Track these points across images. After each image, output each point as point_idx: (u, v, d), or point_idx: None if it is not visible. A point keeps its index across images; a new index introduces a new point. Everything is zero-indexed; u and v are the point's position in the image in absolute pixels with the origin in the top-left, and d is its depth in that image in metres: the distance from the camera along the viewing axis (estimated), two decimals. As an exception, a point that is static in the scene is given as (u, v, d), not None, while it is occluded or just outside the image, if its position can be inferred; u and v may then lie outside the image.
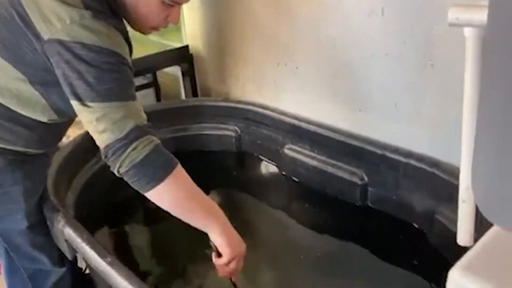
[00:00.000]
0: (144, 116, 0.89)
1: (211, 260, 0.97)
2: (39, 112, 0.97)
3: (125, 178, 0.87)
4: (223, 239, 0.92)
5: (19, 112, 0.96)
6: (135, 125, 0.85)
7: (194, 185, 0.92)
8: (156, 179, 0.86)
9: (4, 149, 1.00)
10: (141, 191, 0.88)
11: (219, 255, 0.94)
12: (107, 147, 0.85)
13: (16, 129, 0.98)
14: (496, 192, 0.39)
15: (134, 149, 0.84)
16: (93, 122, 0.85)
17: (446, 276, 1.10)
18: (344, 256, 1.28)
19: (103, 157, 0.88)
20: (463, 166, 0.79)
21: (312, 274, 1.22)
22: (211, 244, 0.94)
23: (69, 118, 1.06)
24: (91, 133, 0.88)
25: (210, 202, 0.96)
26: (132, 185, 0.88)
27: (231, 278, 1.01)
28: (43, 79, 0.92)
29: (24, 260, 1.14)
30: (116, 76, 0.86)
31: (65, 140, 1.96)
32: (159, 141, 0.89)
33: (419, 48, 1.16)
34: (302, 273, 1.23)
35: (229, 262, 0.94)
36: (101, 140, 0.86)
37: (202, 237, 1.40)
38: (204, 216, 0.93)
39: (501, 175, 0.38)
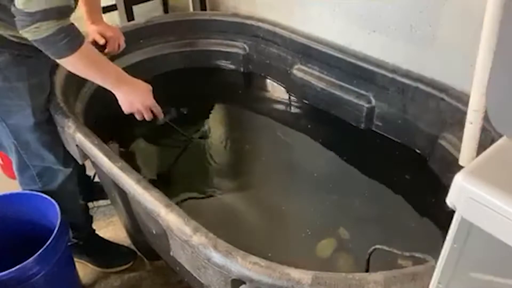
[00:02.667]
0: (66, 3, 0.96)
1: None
2: None
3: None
4: (121, 100, 1.16)
5: None
6: (48, 7, 0.92)
7: (102, 57, 1.11)
8: (59, 55, 1.00)
9: (10, 41, 1.02)
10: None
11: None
12: (17, 14, 0.93)
13: None
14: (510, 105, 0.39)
15: (36, 27, 0.93)
16: None
17: (442, 199, 1.13)
18: (342, 175, 1.32)
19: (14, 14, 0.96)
20: (474, 87, 0.78)
21: (309, 191, 1.26)
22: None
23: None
24: None
25: (115, 70, 1.14)
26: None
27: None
28: None
29: (32, 157, 1.19)
30: None
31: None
32: (66, 24, 0.98)
33: (442, -35, 1.10)
34: (300, 190, 1.28)
35: (136, 107, 1.18)
36: (17, 5, 0.93)
37: (203, 148, 1.43)
38: (109, 81, 1.13)
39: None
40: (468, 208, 0.39)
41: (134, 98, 1.16)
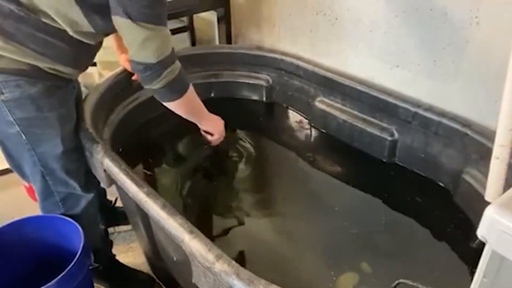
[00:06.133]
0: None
1: (206, 141, 1.39)
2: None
3: (156, 92, 1.11)
4: (213, 128, 1.36)
5: (62, 29, 1.02)
6: (171, 51, 1.04)
7: (194, 92, 1.20)
8: (179, 95, 1.12)
9: (45, 72, 1.06)
10: (164, 102, 1.14)
11: (210, 135, 1.37)
12: (148, 65, 1.02)
13: (57, 43, 1.04)
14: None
15: (169, 71, 1.05)
16: (140, 40, 0.98)
17: (468, 234, 1.11)
18: (364, 208, 1.30)
19: (137, 70, 1.05)
20: (501, 122, 0.78)
21: (332, 226, 1.25)
22: (202, 132, 1.37)
23: (100, 42, 1.16)
24: (134, 48, 1.00)
25: (202, 104, 1.27)
26: (159, 97, 1.13)
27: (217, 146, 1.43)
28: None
29: (58, 184, 1.22)
30: (164, 2, 0.99)
31: (97, 79, 2.01)
32: (179, 64, 1.10)
33: (466, 3, 1.12)
34: (321, 222, 1.27)
35: (217, 136, 1.37)
36: (143, 58, 1.01)
37: (227, 174, 1.47)
38: (201, 115, 1.30)
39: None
40: (499, 241, 0.39)
41: (217, 124, 1.37)
